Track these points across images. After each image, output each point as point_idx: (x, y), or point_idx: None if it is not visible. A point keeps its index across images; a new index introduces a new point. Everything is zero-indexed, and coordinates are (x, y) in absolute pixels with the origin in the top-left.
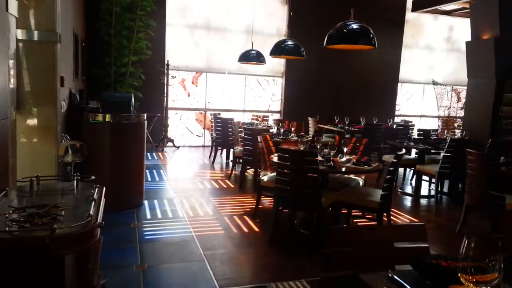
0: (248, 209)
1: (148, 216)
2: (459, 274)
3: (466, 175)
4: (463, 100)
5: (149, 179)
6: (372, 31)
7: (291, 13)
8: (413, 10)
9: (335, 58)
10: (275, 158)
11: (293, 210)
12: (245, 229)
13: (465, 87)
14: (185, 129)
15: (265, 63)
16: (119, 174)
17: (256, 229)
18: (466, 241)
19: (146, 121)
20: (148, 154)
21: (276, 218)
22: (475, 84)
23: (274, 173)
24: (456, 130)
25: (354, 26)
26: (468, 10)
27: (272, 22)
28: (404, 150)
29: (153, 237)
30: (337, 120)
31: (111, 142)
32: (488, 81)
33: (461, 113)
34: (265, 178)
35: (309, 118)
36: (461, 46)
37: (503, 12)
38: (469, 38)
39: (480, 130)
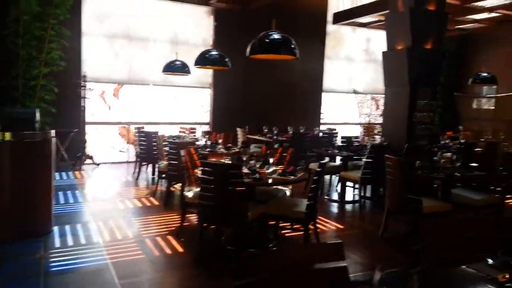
0: (174, 228)
1: (57, 244)
2: None
3: (386, 180)
4: (382, 107)
5: (62, 201)
6: (293, 41)
7: (217, 23)
8: (333, 22)
9: (262, 68)
10: (199, 173)
11: (219, 226)
12: (169, 251)
13: (383, 95)
14: (107, 145)
15: (190, 73)
16: (21, 199)
17: (181, 249)
18: None
19: (55, 138)
20: (63, 173)
21: (202, 236)
22: (391, 92)
23: (199, 188)
24: (376, 136)
25: (276, 36)
26: (384, 22)
27: (198, 32)
28: (328, 158)
29: (62, 268)
30: (265, 130)
31: (12, 163)
32: (403, 89)
33: (380, 120)
34: (189, 194)
35: (238, 129)
36: (378, 57)
37: (414, 24)
38: (385, 49)
39: (397, 136)
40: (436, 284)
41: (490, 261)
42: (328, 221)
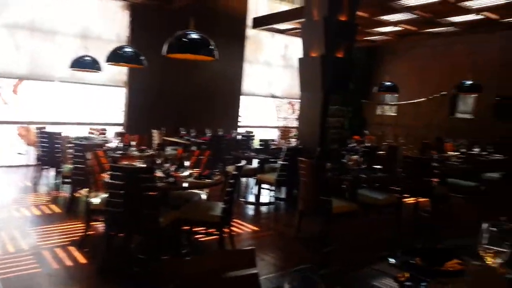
0: (77, 238)
1: None
2: None
3: (299, 182)
4: (297, 112)
5: None
6: (212, 42)
7: (132, 19)
8: (253, 27)
9: (180, 69)
10: (107, 177)
11: (128, 234)
12: (69, 262)
13: (299, 100)
14: (4, 146)
15: (101, 70)
16: None
17: (84, 260)
18: None
19: None
20: None
21: (109, 245)
22: (306, 97)
23: (108, 194)
24: (292, 140)
25: (194, 36)
26: (300, 30)
27: (111, 27)
28: (245, 161)
29: None
30: (183, 132)
31: None
32: (316, 94)
33: (296, 124)
34: (96, 200)
35: (153, 131)
36: (294, 62)
37: (327, 33)
38: (301, 55)
39: (311, 139)
40: (345, 284)
41: (391, 260)
42: (244, 223)
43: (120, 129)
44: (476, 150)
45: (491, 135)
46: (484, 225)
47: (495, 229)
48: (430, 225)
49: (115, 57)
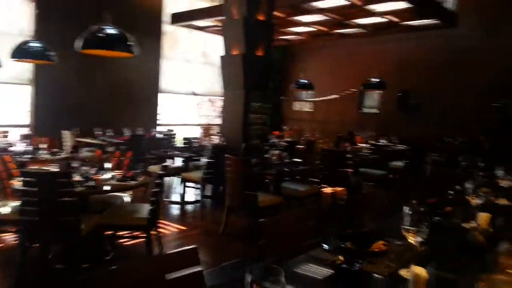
0: None
1: None
2: None
3: (226, 179)
4: (218, 109)
5: None
6: (130, 37)
7: (39, 11)
8: (171, 22)
9: (95, 65)
10: (18, 184)
11: (45, 244)
12: None
13: (220, 98)
14: None
15: (1, 66)
16: None
17: None
18: None
19: None
20: None
21: (24, 257)
22: (229, 95)
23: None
24: (214, 137)
25: (111, 30)
26: (221, 28)
27: (13, 19)
28: (170, 160)
29: None
30: (98, 133)
31: None
32: (239, 92)
33: (217, 121)
34: (5, 210)
35: (65, 132)
36: (215, 60)
37: (247, 32)
38: (222, 53)
39: (235, 136)
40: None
41: (325, 246)
42: (170, 223)
43: (25, 131)
44: (383, 141)
45: (395, 127)
46: (405, 208)
47: (414, 211)
48: (347, 211)
49: (21, 52)
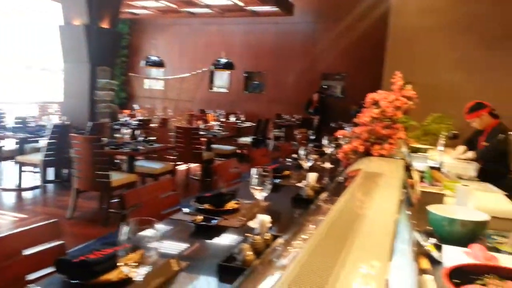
0: None
1: None
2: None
3: (72, 160)
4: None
5: None
6: None
7: None
8: None
9: None
10: None
11: None
12: None
13: (61, 71)
14: None
15: None
16: None
17: None
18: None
19: None
20: None
21: None
22: (71, 68)
23: None
24: (53, 116)
25: None
26: None
27: None
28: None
29: None
30: None
31: None
32: (82, 66)
33: (58, 98)
34: None
35: None
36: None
37: (91, 1)
38: (61, 23)
39: (80, 114)
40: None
41: (185, 209)
42: (6, 212)
43: None
44: (232, 119)
45: (243, 106)
46: (252, 171)
47: (259, 174)
48: (201, 184)
49: None
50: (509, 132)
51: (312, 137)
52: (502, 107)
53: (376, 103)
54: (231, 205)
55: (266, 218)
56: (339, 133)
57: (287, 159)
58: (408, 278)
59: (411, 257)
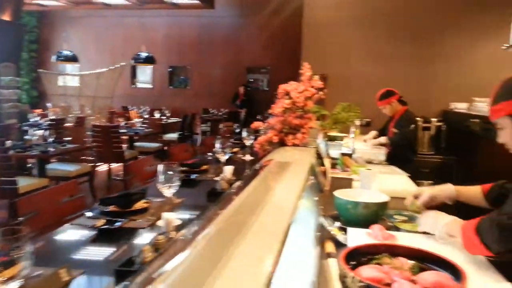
0: None
1: None
2: None
3: None
4: None
5: None
6: None
7: None
8: None
9: None
10: None
11: None
12: None
13: None
14: None
15: None
16: None
17: None
18: None
19: None
20: None
21: None
22: None
23: None
24: None
25: None
26: None
27: None
28: None
29: None
30: None
31: None
32: None
33: None
34: None
35: None
36: None
37: None
38: None
39: None
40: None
41: (88, 213)
42: None
43: None
44: (157, 115)
45: (168, 101)
46: (159, 167)
47: (165, 170)
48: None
49: None
50: (417, 118)
51: (238, 130)
52: (407, 95)
53: (287, 94)
54: (140, 205)
55: (172, 217)
56: (254, 125)
57: (209, 154)
58: (311, 262)
59: (316, 241)
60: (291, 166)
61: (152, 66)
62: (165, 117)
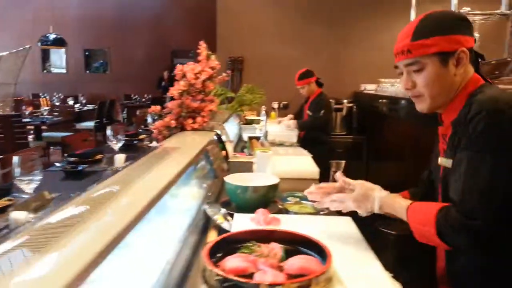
0: None
1: None
2: None
3: None
4: None
5: None
6: None
7: None
8: None
9: None
10: None
11: None
12: None
13: None
14: None
15: None
16: None
17: None
18: None
19: None
20: None
21: None
22: None
23: None
24: None
25: None
26: None
27: None
28: None
29: None
30: None
31: None
32: None
33: None
34: None
35: None
36: None
37: None
38: None
39: None
40: None
41: None
42: None
43: None
44: (70, 102)
45: (84, 87)
46: (15, 159)
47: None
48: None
49: None
50: (330, 100)
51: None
52: (322, 77)
53: (184, 76)
54: (1, 203)
55: (21, 215)
56: (152, 109)
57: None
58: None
59: (198, 230)
60: (177, 152)
61: (64, 49)
62: (79, 104)
